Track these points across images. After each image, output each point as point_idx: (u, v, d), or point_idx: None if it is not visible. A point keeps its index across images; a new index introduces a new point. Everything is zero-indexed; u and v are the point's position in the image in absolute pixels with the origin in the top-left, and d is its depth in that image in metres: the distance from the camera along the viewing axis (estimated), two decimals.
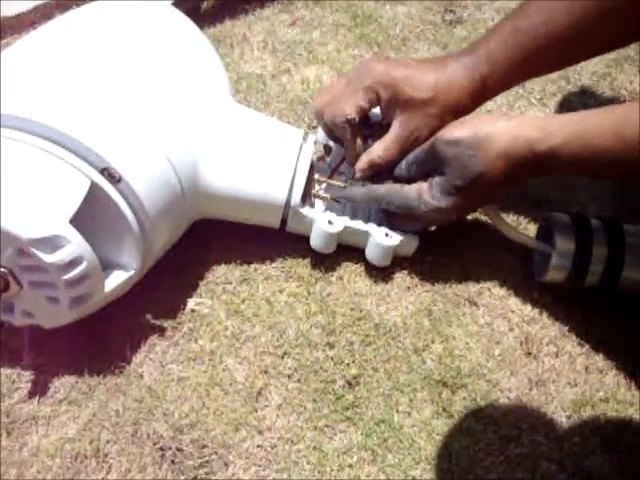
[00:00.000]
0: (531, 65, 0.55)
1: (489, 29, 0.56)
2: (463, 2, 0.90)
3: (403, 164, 0.57)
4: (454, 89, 0.54)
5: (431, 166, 0.54)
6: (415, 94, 0.54)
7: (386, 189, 0.57)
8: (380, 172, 0.58)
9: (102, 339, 0.54)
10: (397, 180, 0.57)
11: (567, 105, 0.78)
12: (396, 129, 0.56)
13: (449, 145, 0.52)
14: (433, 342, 0.56)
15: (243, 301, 0.58)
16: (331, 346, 0.55)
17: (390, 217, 0.59)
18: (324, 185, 0.61)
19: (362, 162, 0.57)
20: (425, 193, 0.54)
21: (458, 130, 0.52)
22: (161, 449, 0.49)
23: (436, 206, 0.54)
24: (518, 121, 0.51)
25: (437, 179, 0.54)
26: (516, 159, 0.50)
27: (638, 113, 0.45)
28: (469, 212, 0.62)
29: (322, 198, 0.60)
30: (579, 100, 0.78)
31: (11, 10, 0.79)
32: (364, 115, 0.56)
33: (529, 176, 0.54)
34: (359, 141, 0.57)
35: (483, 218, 0.64)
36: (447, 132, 0.53)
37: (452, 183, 0.52)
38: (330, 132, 0.59)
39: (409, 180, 0.56)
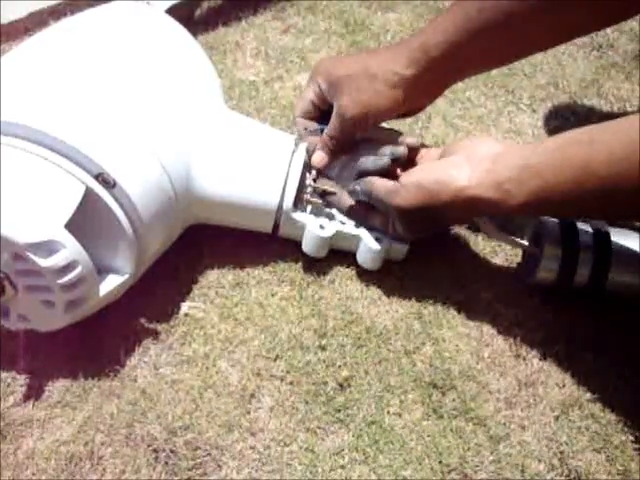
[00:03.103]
0: (472, 35, 0.53)
1: None
2: None
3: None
4: (383, 59, 0.55)
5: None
6: (341, 72, 0.56)
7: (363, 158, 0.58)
8: (336, 153, 0.59)
9: (96, 343, 0.55)
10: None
11: (556, 111, 0.79)
12: (334, 110, 0.58)
13: None
14: (423, 344, 0.57)
15: (236, 305, 0.58)
16: (323, 349, 0.56)
17: (370, 214, 0.59)
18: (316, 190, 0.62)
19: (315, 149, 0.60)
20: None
21: None
22: (155, 451, 0.49)
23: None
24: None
25: None
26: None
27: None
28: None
29: (314, 203, 0.61)
30: (567, 106, 0.79)
31: (5, 17, 0.80)
32: (314, 107, 0.60)
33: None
34: (314, 139, 0.60)
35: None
36: None
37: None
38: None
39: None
